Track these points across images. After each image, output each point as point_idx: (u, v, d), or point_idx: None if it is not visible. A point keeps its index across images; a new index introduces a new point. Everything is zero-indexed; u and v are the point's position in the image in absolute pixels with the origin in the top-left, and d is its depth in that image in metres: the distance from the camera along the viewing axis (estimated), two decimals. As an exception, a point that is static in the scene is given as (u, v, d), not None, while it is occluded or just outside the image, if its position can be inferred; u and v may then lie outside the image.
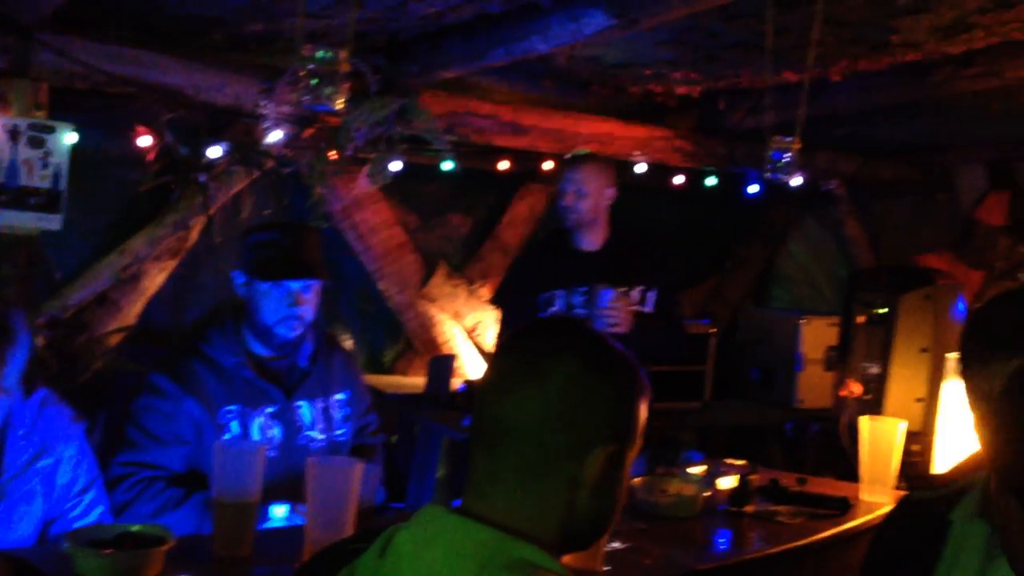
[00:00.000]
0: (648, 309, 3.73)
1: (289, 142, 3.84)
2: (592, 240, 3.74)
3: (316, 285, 2.70)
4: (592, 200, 3.66)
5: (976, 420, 1.49)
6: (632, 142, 4.68)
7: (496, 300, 5.06)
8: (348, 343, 4.79)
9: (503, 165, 4.70)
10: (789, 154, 2.78)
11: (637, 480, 2.48)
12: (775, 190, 5.72)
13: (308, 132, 3.79)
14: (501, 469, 1.25)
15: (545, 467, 1.24)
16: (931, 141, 5.39)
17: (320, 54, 1.90)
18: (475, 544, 1.20)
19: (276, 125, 3.72)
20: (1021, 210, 3.90)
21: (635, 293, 3.71)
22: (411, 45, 3.80)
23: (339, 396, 2.84)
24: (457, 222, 5.27)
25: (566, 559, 1.28)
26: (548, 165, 4.80)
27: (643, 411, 1.33)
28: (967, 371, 1.49)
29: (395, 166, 4.08)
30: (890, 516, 1.78)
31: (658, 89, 4.49)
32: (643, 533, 2.24)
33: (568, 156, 4.03)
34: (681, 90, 4.44)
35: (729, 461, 3.08)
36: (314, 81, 1.85)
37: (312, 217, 4.02)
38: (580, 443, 1.24)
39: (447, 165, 4.22)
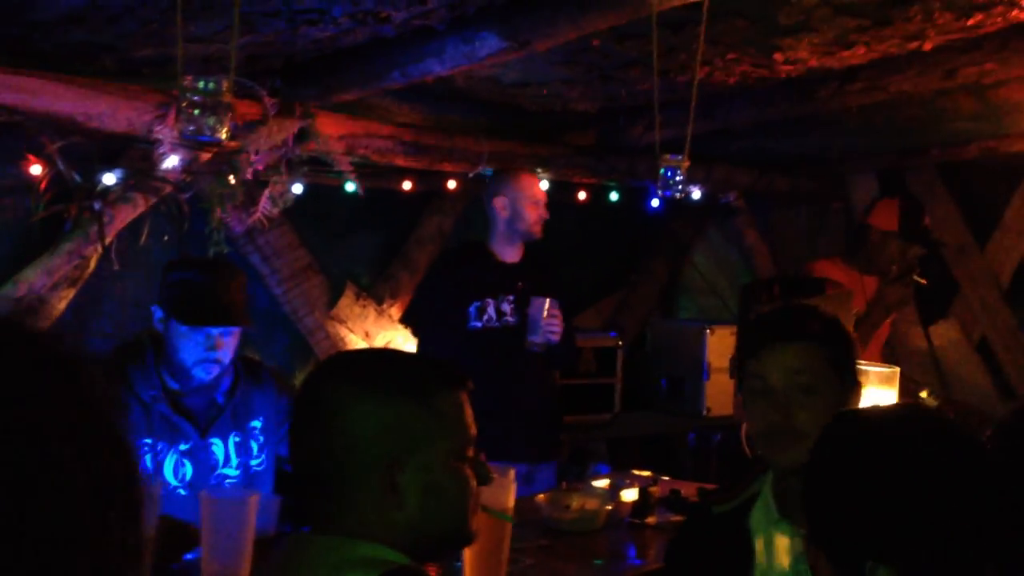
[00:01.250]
0: None
1: (187, 167, 3.79)
2: (514, 253, 3.76)
3: (237, 329, 2.65)
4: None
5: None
6: (534, 160, 4.72)
7: (411, 318, 5.01)
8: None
9: (406, 185, 4.71)
10: (678, 172, 2.84)
11: (541, 496, 2.51)
12: (677, 203, 5.85)
13: (205, 157, 3.75)
14: (330, 494, 1.34)
15: (365, 486, 1.32)
16: (824, 153, 5.56)
17: (202, 84, 1.89)
18: (328, 550, 1.29)
19: (172, 150, 3.67)
20: (911, 215, 4.03)
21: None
22: (308, 67, 3.79)
23: (255, 424, 2.78)
24: (364, 242, 5.25)
25: None
26: (451, 184, 4.82)
27: (453, 408, 1.44)
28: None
29: (296, 188, 4.05)
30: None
31: (557, 107, 4.54)
32: (546, 550, 2.26)
33: (511, 168, 4.05)
34: (579, 107, 4.50)
35: (635, 472, 3.13)
36: (196, 112, 1.84)
37: (213, 242, 3.97)
38: (383, 459, 1.32)
39: (350, 187, 4.21)
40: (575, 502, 2.44)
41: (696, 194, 5.53)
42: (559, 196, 5.08)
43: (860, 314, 4.02)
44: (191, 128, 1.88)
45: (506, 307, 3.67)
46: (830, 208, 6.12)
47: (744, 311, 3.24)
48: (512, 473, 2.18)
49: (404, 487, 1.32)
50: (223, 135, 1.94)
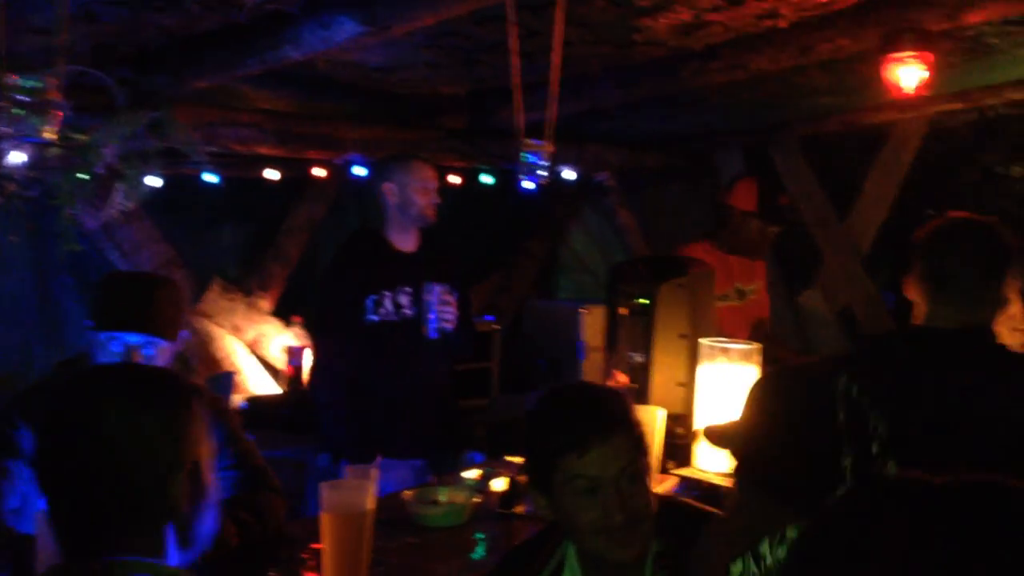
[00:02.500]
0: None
1: (34, 163, 3.60)
2: (410, 240, 3.69)
3: (162, 343, 2.48)
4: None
5: None
6: (403, 144, 4.66)
7: (314, 314, 4.84)
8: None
9: (271, 174, 4.59)
10: (541, 156, 2.82)
11: (408, 493, 2.47)
12: (552, 184, 5.86)
13: (53, 152, 3.57)
14: (108, 516, 1.26)
15: (140, 505, 1.26)
16: (692, 130, 5.64)
17: (26, 82, 1.77)
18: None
19: (16, 146, 3.48)
20: (768, 195, 4.11)
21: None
22: (161, 56, 3.65)
23: None
24: (231, 234, 5.11)
25: None
26: (320, 172, 4.72)
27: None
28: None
29: (152, 181, 3.90)
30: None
31: (426, 91, 4.49)
32: (414, 548, 2.23)
33: (399, 155, 3.96)
34: (448, 91, 4.45)
35: (509, 459, 3.11)
36: (19, 111, 1.72)
37: (64, 240, 3.79)
38: (161, 474, 1.27)
39: (209, 177, 4.07)
40: (442, 496, 2.41)
41: (572, 175, 5.57)
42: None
43: (723, 294, 4.09)
44: (13, 129, 1.76)
45: (403, 299, 3.60)
46: (700, 185, 6.23)
47: (611, 294, 3.25)
48: (374, 473, 2.14)
49: (179, 503, 1.27)
50: (50, 135, 1.82)
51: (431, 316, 3.50)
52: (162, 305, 2.44)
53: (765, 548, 1.41)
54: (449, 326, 3.53)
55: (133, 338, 2.38)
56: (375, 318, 3.55)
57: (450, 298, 3.55)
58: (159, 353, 2.42)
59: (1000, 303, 2.06)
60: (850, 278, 5.44)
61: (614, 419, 1.71)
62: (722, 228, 4.13)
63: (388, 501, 2.49)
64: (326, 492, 2.00)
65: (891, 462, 1.45)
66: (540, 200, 6.26)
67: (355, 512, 1.97)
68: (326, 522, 1.98)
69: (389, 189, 3.64)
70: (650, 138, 5.78)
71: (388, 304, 3.57)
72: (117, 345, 2.37)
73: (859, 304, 5.47)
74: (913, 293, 2.14)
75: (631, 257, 6.16)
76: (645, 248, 6.36)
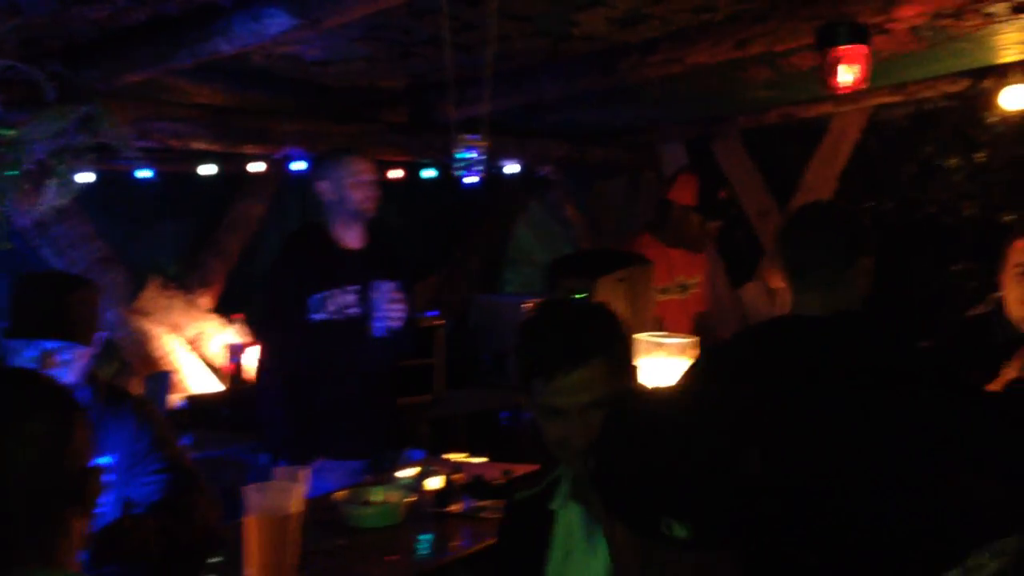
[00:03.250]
0: None
1: (-41, 160, 3.51)
2: (355, 236, 3.63)
3: (78, 348, 2.39)
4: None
5: None
6: (343, 138, 4.60)
7: (258, 312, 4.76)
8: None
9: (208, 169, 4.52)
10: (477, 150, 2.79)
11: (340, 494, 2.44)
12: (495, 177, 5.84)
13: (-22, 147, 3.48)
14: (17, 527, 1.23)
15: (30, 514, 1.23)
16: (634, 124, 5.65)
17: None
18: None
19: (-62, 142, 3.39)
20: (709, 188, 4.13)
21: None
22: (91, 49, 3.56)
23: (104, 460, 2.43)
24: (169, 230, 5.03)
25: None
26: (259, 167, 4.65)
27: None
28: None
29: (84, 177, 3.81)
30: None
31: (364, 84, 4.44)
32: (346, 549, 2.20)
33: (332, 151, 3.90)
34: (387, 84, 4.41)
35: (448, 456, 3.09)
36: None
37: (-7, 238, 3.70)
38: (72, 488, 1.25)
39: (144, 172, 4.00)
40: (375, 496, 2.38)
41: (512, 169, 5.55)
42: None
43: (665, 288, 4.10)
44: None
45: (350, 298, 3.54)
46: (644, 178, 6.25)
47: (550, 289, 3.24)
48: (302, 474, 2.10)
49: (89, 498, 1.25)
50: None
51: (378, 315, 3.46)
52: (77, 309, 2.36)
53: None
54: (396, 324, 3.49)
55: (48, 344, 2.31)
56: (320, 316, 3.50)
57: (398, 296, 3.51)
58: (76, 358, 2.35)
59: (863, 286, 2.08)
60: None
61: (586, 347, 1.72)
62: (664, 222, 4.14)
63: (321, 502, 2.46)
64: (250, 495, 1.96)
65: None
66: (484, 194, 6.24)
67: (280, 515, 1.93)
68: (250, 525, 1.94)
69: (324, 187, 3.60)
70: (593, 132, 5.78)
71: (334, 303, 3.52)
72: (32, 351, 2.30)
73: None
74: (782, 283, 2.19)
75: (575, 250, 6.16)
76: (591, 241, 6.36)
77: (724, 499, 1.39)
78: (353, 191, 3.58)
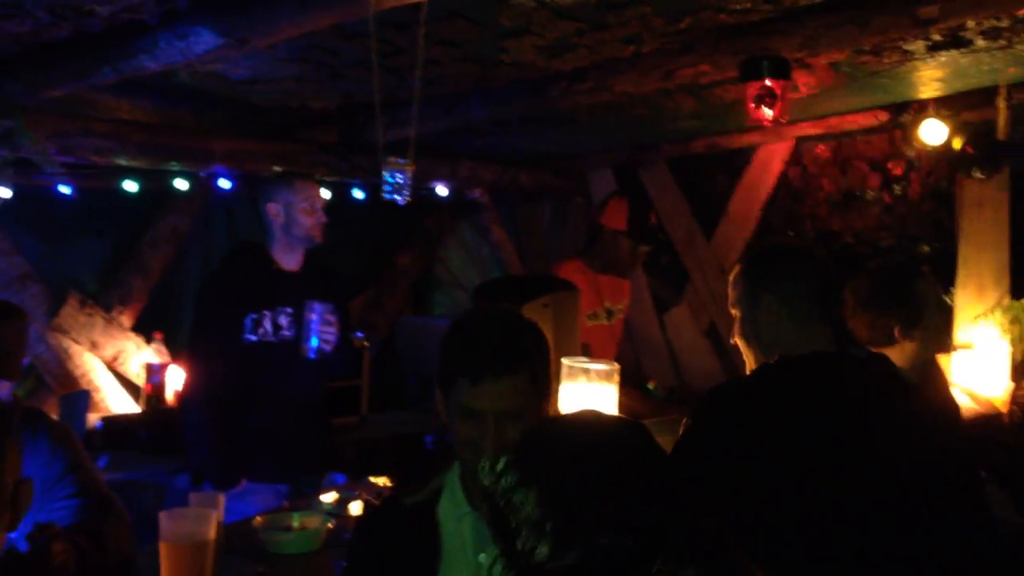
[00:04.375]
0: None
1: None
2: (294, 259, 3.61)
3: (4, 382, 2.30)
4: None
5: None
6: (271, 157, 4.57)
7: (190, 331, 4.65)
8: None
9: (131, 186, 4.44)
10: (402, 174, 2.80)
11: (259, 519, 2.40)
12: (425, 200, 5.84)
13: None
14: None
15: None
16: (564, 149, 5.70)
17: None
18: None
19: None
20: (638, 214, 4.18)
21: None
22: (13, 63, 3.49)
23: None
24: (89, 247, 4.92)
25: None
26: (183, 184, 4.59)
27: None
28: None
29: (3, 192, 3.74)
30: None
31: (294, 104, 4.41)
32: None
33: (285, 174, 3.87)
34: (316, 105, 4.39)
35: (373, 480, 3.07)
36: None
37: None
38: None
39: (64, 188, 3.92)
40: (295, 522, 2.36)
41: (442, 191, 5.56)
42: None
43: (593, 313, 4.14)
44: None
45: (283, 320, 3.51)
46: (573, 203, 6.31)
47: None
48: (220, 499, 2.07)
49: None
50: None
51: (312, 337, 3.43)
52: (8, 342, 2.29)
53: None
54: (329, 347, 3.46)
55: None
56: (253, 338, 3.46)
57: (332, 318, 3.49)
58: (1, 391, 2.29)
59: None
60: (715, 296, 5.57)
61: (515, 357, 1.76)
62: (594, 246, 4.19)
63: (240, 527, 2.42)
64: (164, 521, 1.93)
65: None
66: (414, 216, 6.24)
67: (195, 541, 1.90)
68: (163, 552, 1.91)
69: (274, 209, 3.57)
70: (524, 156, 5.82)
71: (267, 324, 3.49)
72: None
73: (724, 323, 5.60)
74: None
75: (505, 274, 6.19)
76: (519, 265, 6.40)
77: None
78: (304, 216, 3.58)
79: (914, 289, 2.88)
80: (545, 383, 1.83)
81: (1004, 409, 4.18)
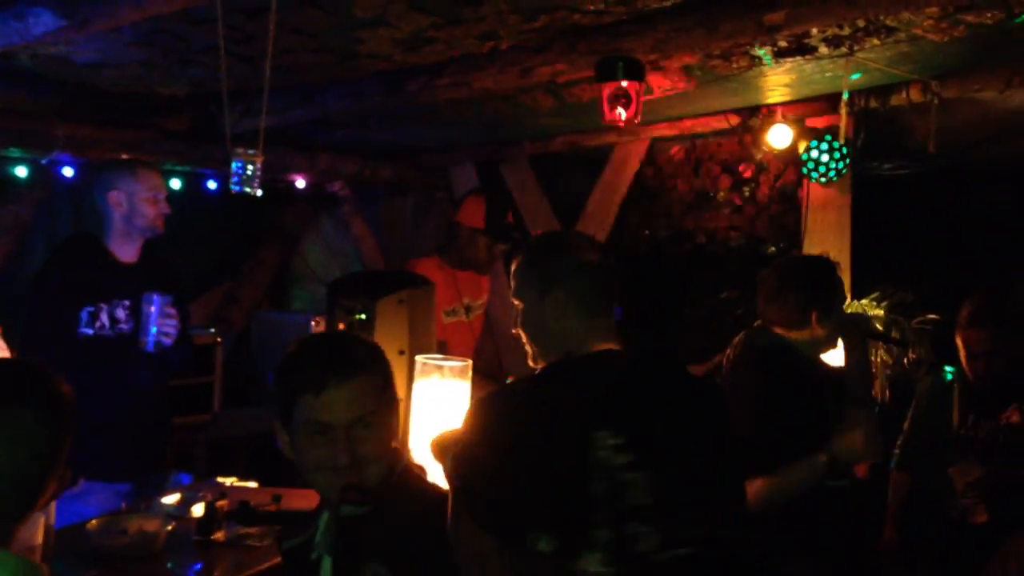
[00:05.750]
0: None
1: None
2: (132, 251, 3.47)
3: None
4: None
5: None
6: (116, 144, 4.39)
7: (22, 324, 4.42)
8: None
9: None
10: (250, 164, 2.73)
11: (94, 523, 2.31)
12: (286, 191, 5.71)
13: None
14: None
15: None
16: (425, 143, 5.68)
17: None
18: None
19: None
20: (496, 212, 4.19)
21: None
22: None
23: None
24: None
25: None
26: (22, 171, 4.38)
27: None
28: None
29: None
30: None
31: (142, 90, 4.25)
32: (97, 581, 2.08)
33: (128, 161, 3.69)
34: (165, 91, 4.24)
35: (221, 479, 2.99)
36: None
37: None
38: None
39: None
40: (132, 524, 2.27)
41: (300, 183, 5.46)
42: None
43: (451, 309, 4.12)
44: None
45: (121, 313, 3.37)
46: (435, 198, 6.28)
47: (330, 309, 3.19)
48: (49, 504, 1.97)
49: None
50: None
51: (150, 329, 3.32)
52: None
53: None
54: (168, 340, 3.36)
55: None
56: (89, 332, 3.33)
57: (172, 311, 3.38)
58: None
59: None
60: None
61: (355, 363, 1.77)
62: (451, 243, 4.17)
63: (72, 531, 2.32)
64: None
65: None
66: (273, 209, 6.10)
67: (22, 547, 1.81)
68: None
69: (115, 198, 3.43)
70: (386, 149, 5.76)
71: (104, 317, 3.36)
72: None
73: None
74: None
75: (361, 270, 6.12)
76: (380, 260, 6.33)
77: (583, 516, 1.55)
78: (147, 206, 3.46)
79: (836, 280, 3.01)
80: (390, 390, 1.82)
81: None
